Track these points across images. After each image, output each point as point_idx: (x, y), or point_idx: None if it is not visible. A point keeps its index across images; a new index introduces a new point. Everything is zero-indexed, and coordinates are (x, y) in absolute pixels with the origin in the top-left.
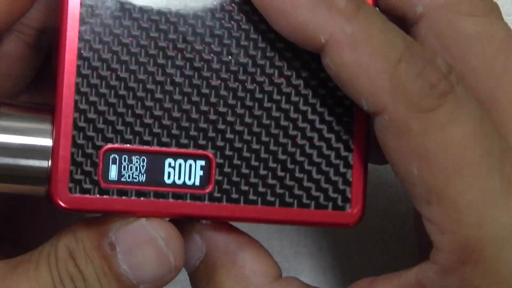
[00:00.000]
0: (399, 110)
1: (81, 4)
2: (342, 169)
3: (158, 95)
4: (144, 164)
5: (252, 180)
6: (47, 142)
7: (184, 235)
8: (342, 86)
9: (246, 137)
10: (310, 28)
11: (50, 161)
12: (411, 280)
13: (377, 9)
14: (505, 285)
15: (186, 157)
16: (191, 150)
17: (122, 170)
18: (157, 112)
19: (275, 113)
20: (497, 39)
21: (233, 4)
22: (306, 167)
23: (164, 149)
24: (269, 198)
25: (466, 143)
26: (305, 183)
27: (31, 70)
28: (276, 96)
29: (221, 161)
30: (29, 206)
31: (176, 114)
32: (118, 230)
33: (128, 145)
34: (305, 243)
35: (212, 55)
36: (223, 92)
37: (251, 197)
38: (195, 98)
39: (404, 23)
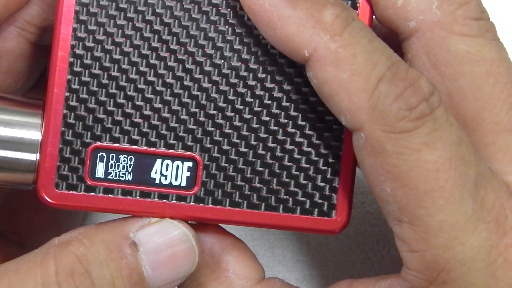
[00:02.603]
0: (375, 130)
1: (76, 2)
2: (329, 176)
3: (149, 95)
4: (132, 163)
5: (239, 183)
6: (36, 136)
7: None
8: (323, 100)
9: (234, 140)
10: (295, 41)
11: (38, 155)
12: None
13: (367, 26)
14: None
15: (173, 158)
16: (178, 152)
17: (109, 168)
18: (147, 112)
19: (264, 118)
20: (488, 61)
21: (228, 8)
22: (294, 172)
23: (151, 149)
24: (255, 201)
25: (440, 166)
26: (292, 188)
27: (35, 67)
28: (266, 101)
29: (208, 163)
30: (32, 206)
31: (165, 114)
32: (141, 230)
33: (116, 144)
34: (306, 252)
35: (204, 57)
36: (213, 95)
37: (237, 200)
38: (185, 100)
39: (397, 37)
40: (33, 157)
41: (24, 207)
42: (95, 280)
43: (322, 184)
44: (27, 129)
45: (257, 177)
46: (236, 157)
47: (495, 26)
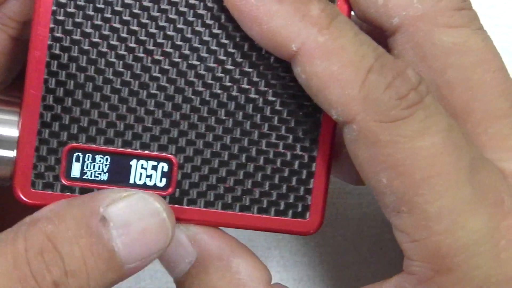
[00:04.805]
0: (368, 120)
1: (53, 2)
2: (304, 178)
3: (125, 95)
4: (107, 163)
5: (213, 183)
6: (14, 133)
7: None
8: (313, 95)
9: (209, 140)
10: (282, 35)
11: (15, 152)
12: None
13: (351, 20)
14: None
15: (148, 158)
16: (153, 153)
17: (85, 168)
18: (123, 112)
19: (240, 119)
20: (474, 51)
21: (205, 10)
22: (268, 173)
23: (127, 150)
24: (229, 202)
25: (435, 152)
26: (266, 189)
27: (16, 62)
28: (242, 102)
29: (183, 163)
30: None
31: (141, 115)
32: (111, 205)
33: (92, 144)
34: (304, 252)
35: (181, 58)
36: (189, 96)
37: (211, 200)
38: (161, 100)
39: (382, 33)
40: (11, 154)
41: (10, 201)
42: (65, 258)
43: (297, 185)
44: (4, 126)
45: (232, 178)
46: (211, 158)
47: (477, 14)
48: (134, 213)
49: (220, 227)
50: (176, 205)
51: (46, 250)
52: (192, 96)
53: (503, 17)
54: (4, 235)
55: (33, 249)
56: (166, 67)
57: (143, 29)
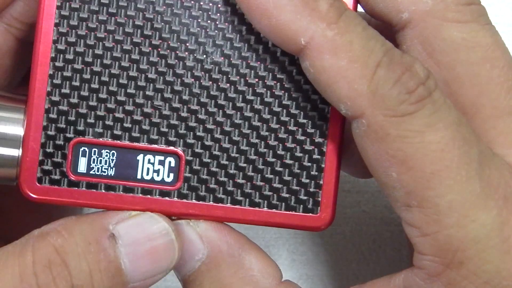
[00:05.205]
0: (377, 115)
1: None
2: (313, 172)
3: (131, 90)
4: (114, 158)
5: (221, 178)
6: (19, 131)
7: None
8: (321, 90)
9: (217, 135)
10: (291, 29)
11: (20, 151)
12: (400, 286)
13: (358, 15)
14: (491, 285)
15: (156, 153)
16: (161, 147)
17: (91, 163)
18: (129, 107)
19: (248, 113)
20: (483, 46)
21: (211, 3)
22: (277, 168)
23: (134, 144)
24: (238, 197)
25: (444, 146)
26: (275, 185)
27: (22, 64)
28: (249, 97)
29: (191, 158)
30: (23, 203)
31: (148, 109)
32: (121, 222)
33: (99, 138)
34: (302, 251)
35: (187, 52)
36: (196, 90)
37: (220, 195)
38: (167, 95)
39: (391, 28)
40: (16, 152)
41: (13, 203)
42: (72, 272)
43: (307, 180)
44: (9, 124)
45: (240, 173)
46: (219, 153)
47: (486, 9)
48: (142, 232)
49: (228, 223)
50: (184, 200)
51: (54, 263)
52: (199, 90)
53: (501, 15)
54: (12, 247)
55: (40, 261)
56: (172, 61)
57: (149, 24)
